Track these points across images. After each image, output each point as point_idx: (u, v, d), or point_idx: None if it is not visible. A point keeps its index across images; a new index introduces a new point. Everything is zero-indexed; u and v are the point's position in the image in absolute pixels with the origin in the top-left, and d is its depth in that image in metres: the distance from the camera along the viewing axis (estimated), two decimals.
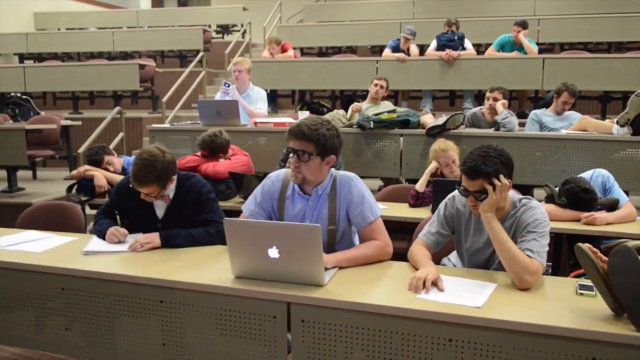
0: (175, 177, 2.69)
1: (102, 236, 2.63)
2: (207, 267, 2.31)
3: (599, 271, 1.77)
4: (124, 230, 2.62)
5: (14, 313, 2.40)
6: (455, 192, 2.41)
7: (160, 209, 2.73)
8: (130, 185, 2.63)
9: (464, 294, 1.96)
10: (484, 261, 2.36)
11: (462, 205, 2.39)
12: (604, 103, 6.97)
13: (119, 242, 2.57)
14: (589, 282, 2.02)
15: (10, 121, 6.73)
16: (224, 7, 12.48)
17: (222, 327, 2.08)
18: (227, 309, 2.06)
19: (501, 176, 2.15)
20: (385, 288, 2.09)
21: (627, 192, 4.48)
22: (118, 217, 2.73)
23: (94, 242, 2.59)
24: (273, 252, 2.00)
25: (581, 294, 2.00)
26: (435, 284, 2.02)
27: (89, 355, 2.38)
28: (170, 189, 2.70)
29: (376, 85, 5.24)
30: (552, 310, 1.87)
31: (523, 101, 7.11)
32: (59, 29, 12.34)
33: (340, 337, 1.94)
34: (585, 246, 1.81)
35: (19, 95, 7.00)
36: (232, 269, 2.11)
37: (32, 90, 8.25)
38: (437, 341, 1.83)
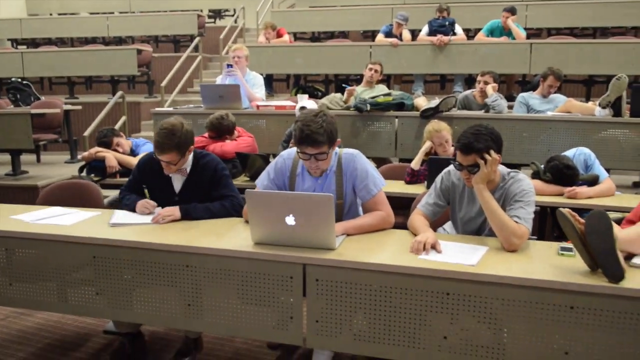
0: (193, 147, 2.91)
1: (132, 209, 2.86)
2: (227, 236, 2.54)
3: (577, 232, 2.03)
4: (152, 202, 2.85)
5: (45, 280, 2.62)
6: (451, 167, 2.66)
7: (177, 183, 2.95)
8: (154, 157, 2.86)
9: (459, 254, 2.22)
10: (476, 229, 2.62)
11: (456, 179, 2.64)
12: (588, 86, 7.23)
13: (150, 213, 2.79)
14: (569, 245, 2.28)
15: (12, 106, 6.85)
16: None
17: (244, 289, 2.32)
18: (248, 272, 2.30)
19: (492, 151, 2.39)
20: (389, 251, 2.33)
21: (608, 170, 4.77)
22: (146, 190, 2.94)
23: (119, 215, 2.82)
24: (290, 220, 2.24)
25: (562, 254, 2.26)
26: (434, 246, 2.27)
27: (119, 317, 2.63)
28: (188, 164, 2.92)
29: (371, 69, 5.46)
30: (537, 268, 2.13)
31: (511, 85, 7.36)
32: (50, 14, 12.39)
33: (351, 294, 2.18)
34: (566, 210, 2.07)
35: (19, 80, 7.11)
36: (251, 235, 2.35)
37: (29, 76, 8.35)
38: (437, 295, 2.09)
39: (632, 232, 2.24)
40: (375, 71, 5.44)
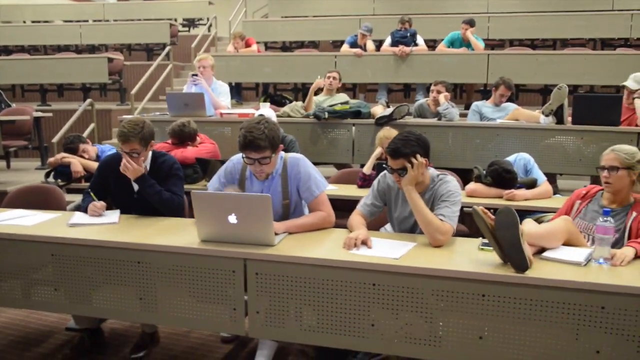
0: (153, 142, 3.12)
1: (85, 211, 3.02)
2: (176, 234, 2.71)
3: (488, 227, 2.26)
4: (101, 204, 3.02)
5: (8, 278, 2.77)
6: (386, 171, 2.88)
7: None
8: (115, 158, 3.10)
9: (387, 249, 2.43)
10: (410, 227, 2.84)
11: (391, 181, 2.86)
12: (544, 95, 7.55)
13: (100, 215, 2.96)
14: None
15: None
16: (190, 1, 12.73)
17: (190, 283, 2.50)
18: (194, 267, 2.48)
19: (418, 156, 2.62)
20: (324, 247, 2.54)
21: (554, 175, 5.05)
22: (93, 194, 3.11)
23: (78, 216, 2.98)
24: (232, 219, 2.43)
25: (482, 249, 2.48)
26: (364, 242, 2.48)
27: (77, 311, 2.80)
28: (147, 162, 3.12)
29: (329, 77, 5.67)
30: (456, 260, 2.36)
31: (471, 94, 7.65)
32: (24, 22, 12.42)
33: (288, 287, 2.38)
34: (479, 208, 2.29)
35: None
36: (198, 234, 2.54)
37: (1, 83, 8.44)
38: (364, 286, 2.30)
39: (543, 229, 2.48)
40: (334, 78, 5.65)
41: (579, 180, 5.85)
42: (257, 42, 8.79)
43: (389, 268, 2.26)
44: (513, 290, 2.16)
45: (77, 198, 4.07)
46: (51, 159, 4.51)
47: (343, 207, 3.32)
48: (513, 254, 2.19)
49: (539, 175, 3.94)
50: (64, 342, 3.30)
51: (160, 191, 3.03)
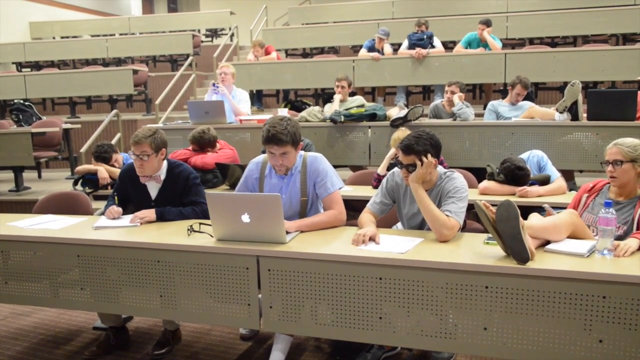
0: (165, 151, 3.26)
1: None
2: (194, 234, 2.82)
3: (490, 220, 2.32)
4: (118, 209, 3.19)
5: (38, 278, 2.93)
6: (395, 169, 2.96)
7: (153, 191, 3.27)
8: (132, 167, 3.22)
9: (394, 245, 2.51)
10: (419, 224, 2.92)
11: (399, 179, 2.94)
12: (563, 93, 7.50)
13: (114, 218, 3.12)
14: None
15: (15, 126, 7.24)
16: (212, 12, 13.06)
17: (207, 280, 2.62)
18: (210, 264, 2.61)
19: (429, 155, 2.69)
20: (334, 244, 2.63)
21: (572, 172, 5.06)
22: (116, 198, 3.27)
23: (102, 220, 3.14)
24: (245, 218, 2.55)
25: (487, 243, 2.55)
26: (372, 239, 2.57)
27: (101, 309, 2.94)
28: (162, 171, 3.25)
29: (337, 86, 5.72)
30: (461, 254, 2.42)
31: (489, 94, 7.66)
32: (54, 38, 12.86)
33: (297, 281, 2.48)
34: (481, 202, 2.36)
35: (21, 101, 7.51)
36: (214, 233, 2.66)
37: (32, 97, 8.77)
38: (370, 280, 2.38)
39: (546, 222, 2.53)
40: (342, 87, 5.68)
41: (599, 177, 5.82)
42: (278, 50, 8.97)
43: (394, 262, 2.35)
44: (515, 282, 2.22)
45: (104, 205, 4.27)
46: (79, 167, 4.72)
47: (359, 208, 3.40)
48: (514, 246, 2.25)
49: (552, 171, 3.97)
50: (91, 340, 3.46)
51: (180, 212, 3.16)
